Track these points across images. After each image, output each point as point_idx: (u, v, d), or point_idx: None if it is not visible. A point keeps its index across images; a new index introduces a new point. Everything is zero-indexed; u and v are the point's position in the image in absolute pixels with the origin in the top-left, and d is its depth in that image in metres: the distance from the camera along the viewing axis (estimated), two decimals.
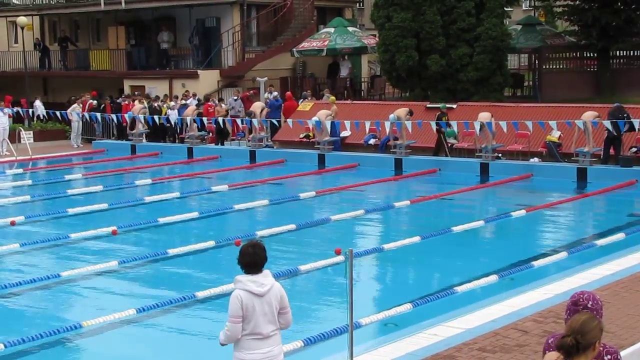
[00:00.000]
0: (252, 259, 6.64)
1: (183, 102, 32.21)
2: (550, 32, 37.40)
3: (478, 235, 16.07)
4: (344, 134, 27.29)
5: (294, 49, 37.04)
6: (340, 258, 12.90)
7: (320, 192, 20.81)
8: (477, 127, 23.48)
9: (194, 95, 33.17)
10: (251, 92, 32.54)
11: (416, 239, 15.01)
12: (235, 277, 6.68)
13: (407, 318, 10.63)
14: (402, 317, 10.69)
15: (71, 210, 18.49)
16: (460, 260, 14.15)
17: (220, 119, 28.73)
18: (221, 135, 30.07)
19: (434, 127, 24.70)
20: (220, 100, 31.77)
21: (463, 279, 12.41)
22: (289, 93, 32.53)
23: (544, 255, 13.98)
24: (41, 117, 33.63)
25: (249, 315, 6.52)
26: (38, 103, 34.33)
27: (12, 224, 17.15)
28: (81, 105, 32.25)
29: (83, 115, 31.15)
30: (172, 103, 32.21)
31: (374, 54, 36.16)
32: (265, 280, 6.66)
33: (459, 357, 8.82)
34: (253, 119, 27.88)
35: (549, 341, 7.13)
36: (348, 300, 8.19)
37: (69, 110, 31.37)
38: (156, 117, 29.45)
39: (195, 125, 28.99)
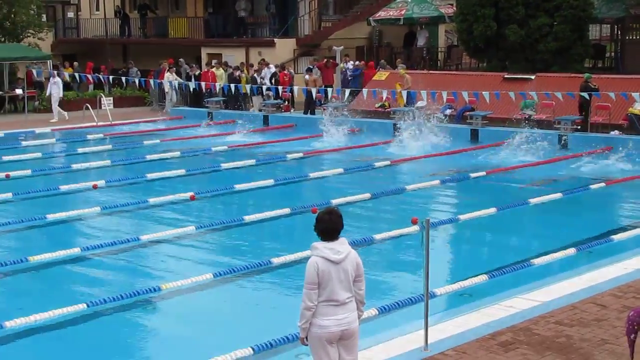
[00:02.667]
0: (329, 225, 6.65)
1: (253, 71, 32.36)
2: (635, 1, 36.32)
3: (555, 208, 15.80)
4: (419, 104, 27.07)
5: (371, 18, 36.78)
6: (416, 228, 12.85)
7: (395, 162, 20.71)
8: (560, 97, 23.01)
9: (267, 64, 33.22)
10: (328, 60, 32.41)
11: (492, 210, 14.86)
12: (312, 244, 6.70)
13: (482, 289, 10.55)
14: (477, 288, 10.62)
15: (150, 176, 18.80)
16: (536, 233, 13.98)
17: (313, 89, 28.68)
18: (310, 104, 29.96)
19: (513, 97, 24.31)
20: (309, 70, 31.66)
21: (540, 251, 12.25)
22: (371, 62, 32.35)
23: (624, 229, 13.70)
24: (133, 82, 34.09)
25: (324, 282, 6.54)
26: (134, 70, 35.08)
27: (94, 187, 17.50)
28: (171, 72, 32.56)
29: (161, 83, 31.54)
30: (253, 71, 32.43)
31: (452, 23, 35.70)
32: (341, 247, 6.67)
33: (535, 330, 8.73)
34: (328, 88, 27.82)
35: (630, 315, 6.99)
36: (424, 270, 8.17)
37: (164, 80, 31.73)
38: (232, 85, 29.62)
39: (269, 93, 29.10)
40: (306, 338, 6.67)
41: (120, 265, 12.42)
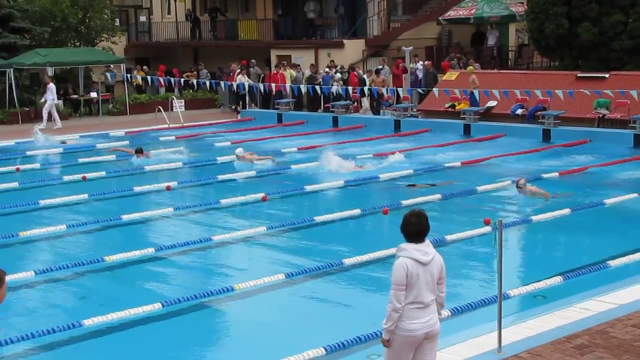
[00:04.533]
0: (417, 228, 6.64)
1: (327, 70, 32.42)
2: None
3: (631, 209, 15.48)
4: (490, 103, 26.81)
5: (440, 18, 36.56)
6: (488, 228, 12.76)
7: (466, 163, 20.54)
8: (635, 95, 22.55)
9: (335, 66, 33.25)
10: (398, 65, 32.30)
11: (566, 211, 14.64)
12: (400, 245, 6.68)
13: (556, 291, 10.40)
14: (551, 290, 10.47)
15: (221, 177, 18.99)
16: (612, 234, 13.71)
17: (383, 90, 28.66)
18: (377, 104, 29.90)
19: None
20: (378, 71, 31.58)
21: (616, 252, 12.02)
22: (444, 62, 32.16)
23: None
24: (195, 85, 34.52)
25: (412, 284, 6.53)
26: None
27: (168, 189, 17.75)
28: (242, 74, 32.85)
29: (231, 85, 31.85)
30: (323, 72, 32.52)
31: (522, 22, 35.24)
32: (428, 249, 6.67)
33: (612, 333, 8.57)
34: (398, 88, 27.76)
35: None
36: (497, 271, 8.09)
37: (235, 82, 32.06)
38: (302, 87, 29.76)
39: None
40: (388, 340, 6.62)
41: (193, 265, 12.59)
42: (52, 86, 29.57)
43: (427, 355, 6.74)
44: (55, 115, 29.57)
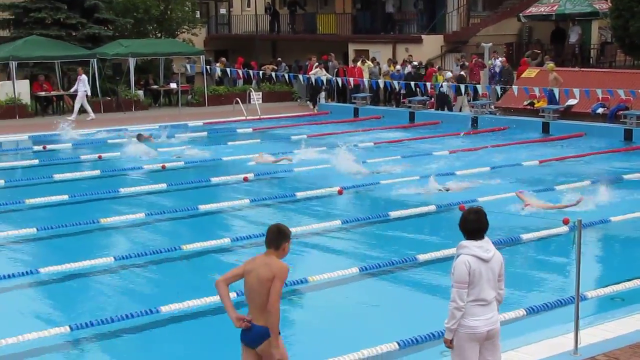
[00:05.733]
0: (477, 225, 6.60)
1: (398, 68, 32.30)
2: None
3: None
4: (570, 102, 26.37)
5: (521, 14, 36.07)
6: (567, 228, 12.59)
7: (544, 161, 20.25)
8: None
9: (411, 62, 33.06)
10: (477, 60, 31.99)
11: None
12: (460, 243, 6.65)
13: (635, 294, 10.19)
14: (630, 293, 10.27)
15: (297, 170, 19.08)
16: None
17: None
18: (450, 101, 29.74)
19: None
20: (462, 66, 31.30)
21: None
22: (523, 59, 31.76)
23: None
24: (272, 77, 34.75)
25: (475, 281, 6.49)
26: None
27: (245, 180, 17.91)
28: (320, 68, 32.94)
29: (309, 78, 31.97)
30: (399, 67, 32.42)
31: (606, 19, 34.53)
32: (489, 245, 6.63)
33: None
34: (477, 85, 27.50)
35: None
36: (575, 272, 7.98)
37: (310, 74, 32.24)
38: (380, 82, 29.73)
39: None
40: (451, 340, 6.61)
41: None
42: (83, 77, 29.76)
43: (492, 356, 6.68)
44: (87, 107, 29.71)
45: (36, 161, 20.71)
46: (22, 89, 30.20)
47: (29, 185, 17.82)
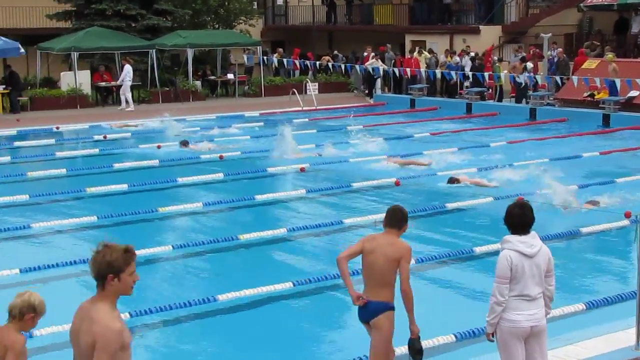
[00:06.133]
0: (521, 219, 6.50)
1: (456, 59, 32.03)
2: None
3: None
4: (632, 93, 25.89)
5: (582, 4, 35.44)
6: (627, 222, 12.37)
7: (605, 152, 19.91)
8: None
9: (468, 53, 32.75)
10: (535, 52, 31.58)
11: None
12: (504, 238, 6.57)
13: None
14: None
15: (352, 160, 19.05)
16: None
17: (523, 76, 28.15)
18: (521, 93, 29.34)
19: None
20: (523, 59, 30.87)
21: None
22: (581, 49, 31.29)
23: None
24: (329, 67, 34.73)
25: (517, 276, 6.39)
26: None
27: (302, 170, 17.91)
28: (376, 59, 32.86)
29: (366, 68, 31.91)
30: (457, 58, 32.17)
31: None
32: (534, 241, 6.51)
33: None
34: (536, 76, 27.16)
35: None
36: (637, 266, 7.83)
37: (366, 64, 32.18)
38: (437, 72, 29.53)
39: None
40: (492, 334, 6.57)
41: (323, 246, 12.71)
42: (128, 67, 30.05)
43: (538, 354, 6.57)
44: (129, 97, 30.00)
45: (96, 150, 21.01)
46: (83, 80, 30.72)
47: (90, 175, 18.08)
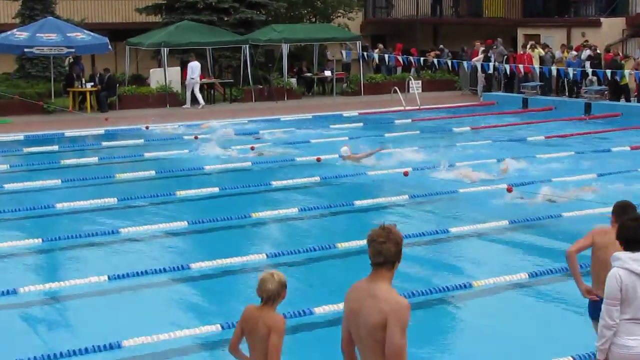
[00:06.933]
0: (636, 234, 6.32)
1: (574, 53, 31.43)
2: None
3: None
4: None
5: None
6: None
7: None
8: None
9: (589, 47, 32.09)
10: None
11: None
12: (614, 254, 6.42)
13: None
14: None
15: (459, 164, 18.85)
16: None
17: None
18: None
19: None
20: None
21: None
22: None
23: None
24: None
25: (629, 298, 6.23)
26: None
27: (405, 174, 17.75)
28: (484, 54, 32.61)
29: (474, 65, 31.65)
30: (574, 53, 31.60)
31: None
32: None
33: None
34: None
35: None
36: None
37: (473, 61, 31.98)
38: (553, 69, 29.08)
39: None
40: None
41: (427, 257, 12.60)
42: (192, 64, 30.42)
43: None
44: (189, 95, 30.41)
45: (186, 151, 21.36)
46: (172, 77, 31.35)
47: (180, 177, 18.44)
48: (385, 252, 5.42)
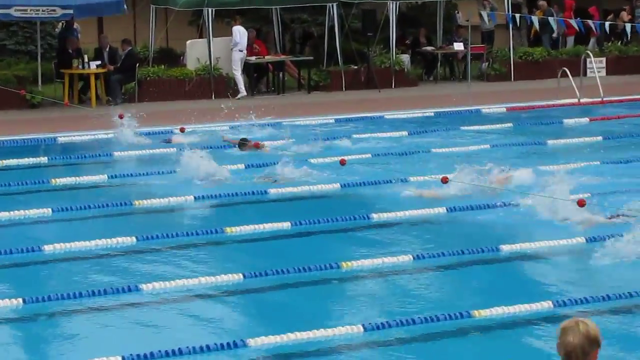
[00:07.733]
0: None
1: None
2: None
3: None
4: None
5: None
6: None
7: None
8: None
9: None
10: None
11: None
12: None
13: None
14: None
15: None
16: None
17: None
18: None
19: None
20: None
21: None
22: None
23: None
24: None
25: None
26: None
27: (581, 204, 17.80)
28: None
29: None
30: None
31: None
32: None
33: None
34: None
35: None
36: None
37: None
38: None
39: None
40: None
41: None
42: (236, 29, 30.94)
43: None
44: (238, 77, 30.91)
45: (240, 167, 21.66)
46: (220, 52, 31.32)
47: (229, 206, 18.87)
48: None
